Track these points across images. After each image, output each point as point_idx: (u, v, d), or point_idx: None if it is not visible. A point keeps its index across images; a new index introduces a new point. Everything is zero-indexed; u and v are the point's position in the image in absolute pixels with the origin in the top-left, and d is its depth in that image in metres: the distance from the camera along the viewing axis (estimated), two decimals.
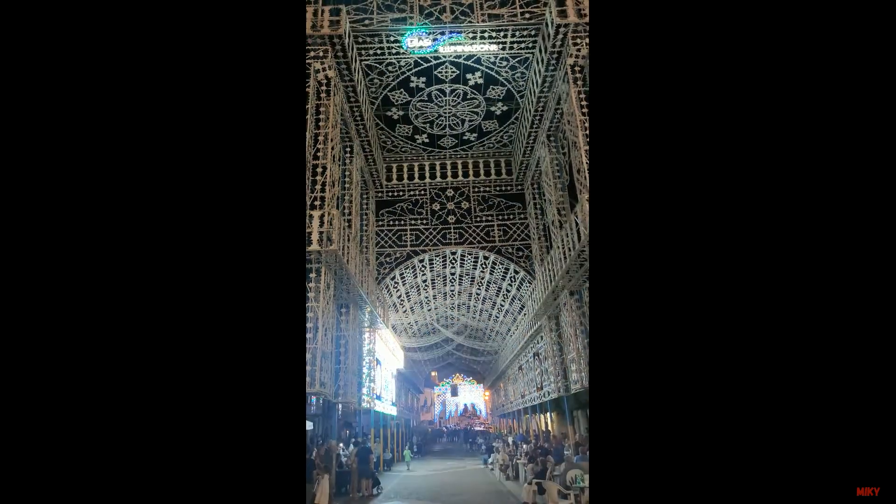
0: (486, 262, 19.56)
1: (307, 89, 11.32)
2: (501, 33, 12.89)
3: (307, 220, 10.10)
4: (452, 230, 18.14)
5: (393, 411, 21.94)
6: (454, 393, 52.89)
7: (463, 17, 12.66)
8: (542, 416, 21.58)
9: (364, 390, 16.06)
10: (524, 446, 15.88)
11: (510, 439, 20.93)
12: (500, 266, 19.32)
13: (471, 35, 12.96)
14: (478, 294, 23.40)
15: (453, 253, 19.03)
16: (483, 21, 12.60)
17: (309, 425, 19.43)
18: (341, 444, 14.15)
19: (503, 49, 13.44)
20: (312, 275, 10.17)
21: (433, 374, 48.90)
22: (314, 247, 9.93)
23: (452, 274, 21.37)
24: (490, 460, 18.23)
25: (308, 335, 10.00)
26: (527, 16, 12.50)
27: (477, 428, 43.30)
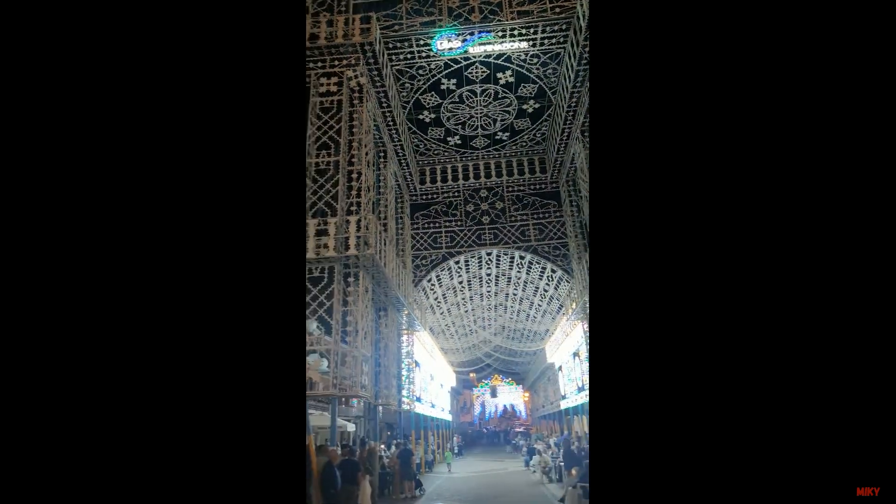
0: (523, 262, 19.34)
1: (340, 97, 11.54)
2: (531, 30, 12.73)
3: (345, 226, 10.27)
4: (487, 231, 18.04)
5: (433, 413, 22.02)
6: (493, 394, 52.56)
7: (492, 17, 12.58)
8: (584, 417, 21.12)
9: (404, 392, 16.19)
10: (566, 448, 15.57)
11: (551, 441, 20.59)
12: (537, 265, 19.06)
13: (500, 34, 12.86)
14: (514, 294, 23.18)
15: (489, 254, 18.93)
16: (512, 18, 12.48)
17: (350, 427, 19.75)
18: (382, 446, 14.31)
19: (534, 46, 13.27)
20: (351, 279, 10.33)
21: (471, 375, 48.78)
22: (352, 251, 10.09)
23: (488, 275, 21.26)
24: (532, 462, 17.99)
25: (347, 339, 10.17)
26: (557, 10, 12.30)
27: (517, 429, 42.85)
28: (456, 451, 24.82)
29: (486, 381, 51.11)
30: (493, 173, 18.55)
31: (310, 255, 10.08)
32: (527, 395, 48.65)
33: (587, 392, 17.99)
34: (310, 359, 9.83)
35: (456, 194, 18.56)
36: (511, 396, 52.34)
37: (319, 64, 11.91)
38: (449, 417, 30.65)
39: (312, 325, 10.26)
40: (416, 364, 17.44)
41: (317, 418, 15.42)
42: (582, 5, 11.33)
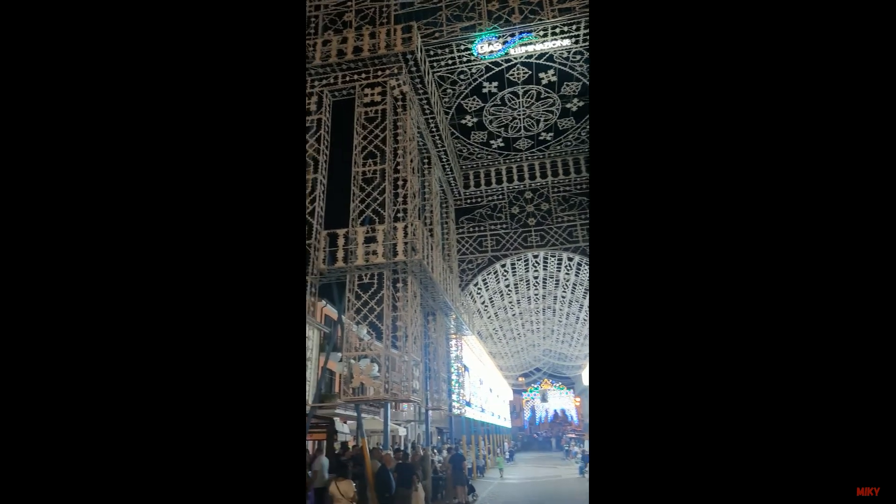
0: (571, 264, 18.92)
1: (384, 106, 11.76)
2: (573, 27, 12.48)
3: (392, 233, 10.44)
4: (533, 233, 17.80)
5: (484, 417, 21.88)
6: (543, 399, 51.63)
7: (532, 16, 12.45)
8: None
9: (453, 396, 16.20)
10: None
11: None
12: (587, 267, 18.58)
13: (542, 33, 12.70)
14: (563, 297, 22.70)
15: (536, 256, 18.65)
16: (554, 16, 12.29)
17: (402, 431, 19.97)
18: (434, 450, 14.35)
19: (576, 43, 13.00)
20: (399, 284, 10.47)
21: (520, 379, 48.16)
22: (400, 257, 10.23)
23: (536, 277, 20.95)
24: (587, 470, 17.48)
25: (397, 343, 10.30)
26: None
27: (570, 435, 41.82)
28: (507, 457, 24.53)
29: (535, 386, 50.29)
30: (538, 174, 18.29)
31: (359, 262, 10.31)
32: (578, 399, 47.42)
33: None
34: (361, 364, 10.03)
35: (500, 197, 18.45)
36: (562, 401, 51.20)
37: (363, 75, 12.21)
38: (500, 422, 30.36)
39: (363, 331, 10.47)
40: (465, 368, 17.41)
41: (369, 422, 15.71)
42: None
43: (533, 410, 52.71)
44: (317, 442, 15.26)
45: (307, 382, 11.52)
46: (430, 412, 15.17)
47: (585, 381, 35.88)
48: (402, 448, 12.80)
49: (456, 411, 16.45)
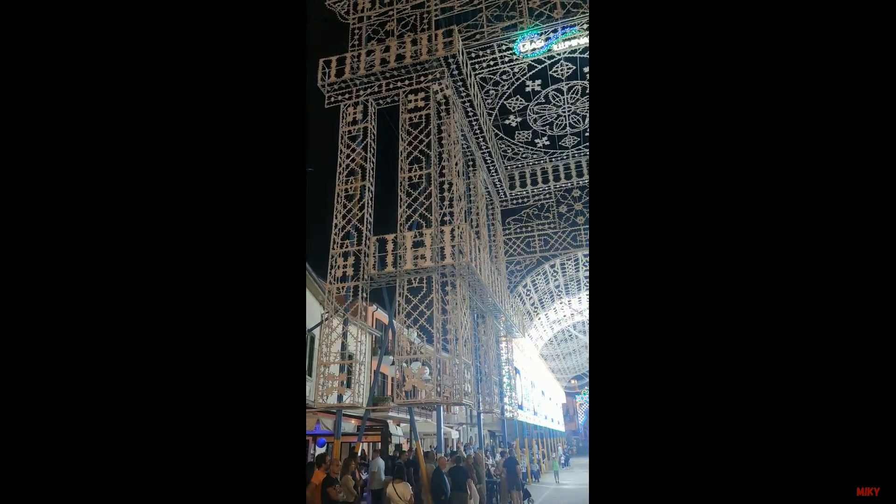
0: None
1: (427, 111, 11.87)
2: None
3: (439, 236, 10.49)
4: (582, 231, 17.35)
5: (536, 421, 21.52)
6: None
7: (575, 10, 12.17)
8: None
9: (505, 399, 16.03)
10: None
11: None
12: None
13: (585, 26, 12.38)
14: None
15: (586, 255, 18.17)
16: None
17: (454, 434, 19.99)
18: (487, 454, 14.25)
19: None
20: (448, 288, 10.50)
21: (573, 381, 47.05)
22: (448, 261, 10.26)
23: (586, 277, 20.40)
24: None
25: (448, 346, 10.32)
26: None
27: None
28: (562, 461, 23.99)
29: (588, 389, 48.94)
30: (585, 171, 17.83)
31: (408, 266, 10.43)
32: None
33: None
34: (412, 367, 10.13)
35: (547, 196, 18.13)
36: None
37: (406, 82, 12.38)
38: (554, 425, 29.77)
39: (413, 335, 10.58)
40: (517, 371, 17.20)
41: (421, 425, 15.83)
42: None
43: (587, 414, 51.29)
44: (371, 444, 15.56)
45: (360, 385, 11.77)
46: (481, 415, 15.09)
47: None
48: (456, 451, 12.80)
49: (508, 414, 16.27)
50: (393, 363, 10.42)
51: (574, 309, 24.00)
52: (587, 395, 50.07)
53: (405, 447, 12.95)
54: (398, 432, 15.33)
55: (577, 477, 19.94)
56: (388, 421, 14.98)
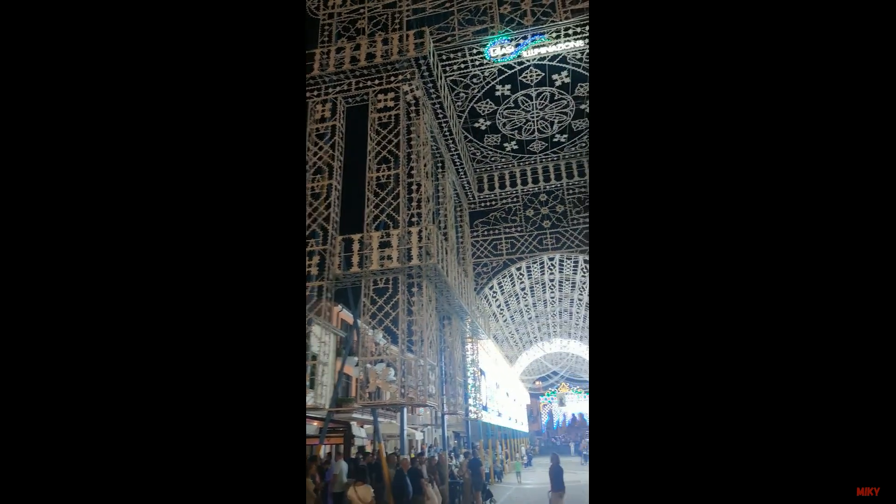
0: (587, 266, 18.73)
1: (397, 111, 11.83)
2: (586, 28, 12.40)
3: (406, 237, 10.47)
4: (548, 235, 17.68)
5: (500, 422, 21.74)
6: (561, 403, 51.11)
7: (545, 18, 12.41)
8: None
9: (470, 401, 16.13)
10: None
11: None
12: None
13: (554, 35, 12.65)
14: (580, 300, 22.48)
15: (551, 259, 18.53)
16: (566, 18, 12.24)
17: (419, 435, 19.96)
18: (451, 455, 14.30)
19: (589, 43, 12.91)
20: (414, 289, 10.49)
21: (537, 383, 47.80)
22: (414, 262, 10.25)
23: (551, 280, 20.80)
24: None
25: (413, 348, 10.30)
26: None
27: (587, 440, 41.29)
28: (525, 462, 24.32)
29: (553, 390, 49.82)
30: (553, 176, 18.19)
31: (374, 267, 10.36)
32: None
33: None
34: (377, 368, 10.05)
35: (515, 200, 18.38)
36: (580, 405, 50.59)
37: (377, 81, 12.31)
38: (518, 426, 30.16)
39: (379, 336, 10.51)
40: (482, 372, 17.34)
41: (385, 426, 15.73)
42: None
43: (551, 414, 52.19)
44: (334, 446, 15.34)
45: (323, 386, 11.58)
46: (446, 416, 15.13)
47: None
48: (421, 452, 12.78)
49: (472, 415, 16.37)
50: (357, 364, 10.30)
51: (539, 311, 24.40)
52: (551, 397, 50.99)
53: (369, 449, 12.83)
54: (362, 434, 15.17)
55: (538, 477, 20.25)
56: (352, 423, 14.81)
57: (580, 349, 30.93)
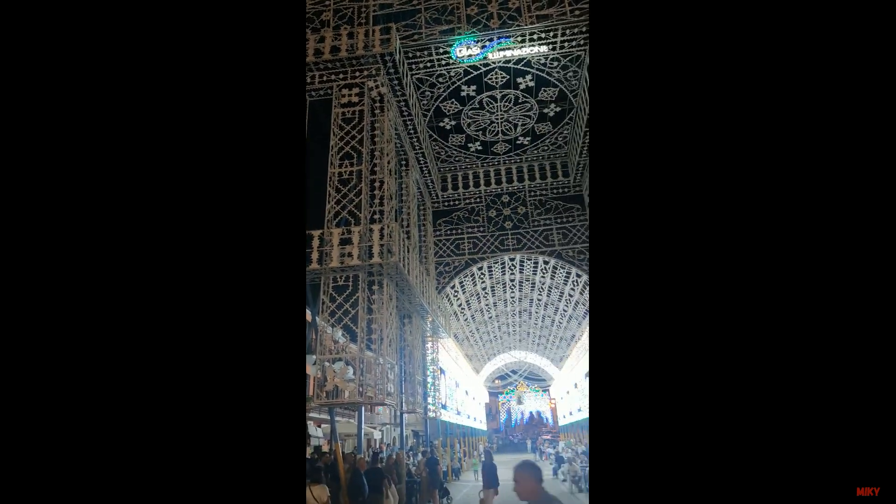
0: (547, 267, 19.14)
1: (361, 107, 11.69)
2: (551, 34, 12.67)
3: (368, 235, 10.37)
4: (510, 236, 17.94)
5: (459, 420, 21.89)
6: (519, 401, 52.01)
7: (511, 22, 12.58)
8: None
9: (429, 399, 16.16)
10: None
11: (580, 449, 20.20)
12: (562, 270, 18.84)
13: (519, 39, 12.85)
14: (539, 300, 22.94)
15: (512, 259, 18.81)
16: (531, 23, 12.45)
17: (377, 434, 19.82)
18: (409, 454, 14.28)
19: (553, 49, 13.20)
20: (375, 287, 10.40)
21: (496, 381, 48.41)
22: (376, 259, 10.16)
23: (512, 280, 21.12)
24: (560, 471, 17.68)
25: (372, 346, 10.22)
26: (576, 13, 12.21)
27: (544, 437, 42.23)
28: (482, 459, 24.57)
29: (511, 388, 50.62)
30: (515, 178, 18.47)
31: (334, 264, 10.20)
32: (553, 402, 47.93)
33: None
34: (335, 367, 9.91)
35: (478, 200, 18.54)
36: (537, 403, 51.67)
37: (341, 76, 12.12)
38: (476, 425, 30.45)
39: (338, 334, 10.35)
40: (441, 371, 17.40)
41: (343, 426, 15.53)
42: None
43: (509, 413, 53.01)
44: None
45: None
46: (405, 415, 15.09)
47: (560, 383, 36.23)
48: (379, 451, 12.70)
49: (431, 414, 16.41)
50: (315, 362, 10.12)
51: (500, 311, 24.72)
52: (509, 395, 51.79)
53: (325, 449, 12.63)
54: (318, 434, 14.91)
55: None
56: (309, 422, 14.52)
57: (538, 348, 31.54)
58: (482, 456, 24.31)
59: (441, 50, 13.09)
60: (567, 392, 34.20)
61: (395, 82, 12.67)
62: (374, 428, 20.82)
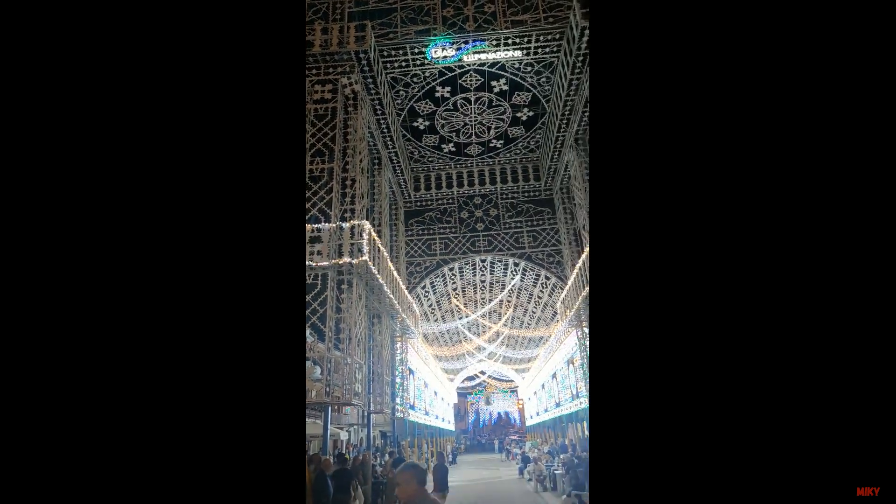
0: (517, 269, 19.37)
1: (334, 104, 11.56)
2: (525, 39, 12.84)
3: (338, 233, 10.25)
4: (481, 238, 18.07)
5: (427, 421, 21.89)
6: (487, 402, 52.41)
7: (486, 25, 12.69)
8: (578, 424, 21.10)
9: (398, 399, 16.10)
10: (561, 456, 15.53)
11: (546, 449, 20.52)
12: (531, 272, 19.10)
13: (494, 42, 12.97)
14: (509, 301, 23.19)
15: (483, 260, 18.94)
16: (506, 28, 12.60)
17: (343, 435, 19.61)
18: (376, 454, 14.19)
19: (527, 55, 13.38)
20: (344, 286, 10.29)
21: (464, 381, 48.61)
22: (345, 258, 10.06)
23: (482, 281, 21.27)
24: (526, 470, 17.91)
25: (340, 346, 10.11)
26: (550, 20, 12.42)
27: (512, 437, 42.70)
28: (450, 459, 24.65)
29: (480, 389, 50.95)
30: (488, 180, 18.62)
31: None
32: (521, 402, 48.51)
33: (581, 400, 17.96)
34: None
35: (450, 201, 18.60)
36: (505, 404, 52.20)
37: (314, 71, 11.94)
38: (444, 425, 30.51)
39: (305, 333, 10.20)
40: (410, 371, 17.37)
41: (309, 426, 15.27)
42: (575, 15, 11.45)
43: (477, 413, 53.36)
44: None
45: None
46: (372, 415, 14.98)
47: (527, 384, 36.69)
48: (344, 452, 12.55)
49: (399, 415, 16.35)
50: None
51: (469, 311, 24.85)
52: (478, 396, 52.09)
53: None
54: None
55: (462, 474, 20.63)
56: None
57: (507, 350, 31.86)
58: (449, 456, 24.37)
59: (416, 50, 13.08)
60: (534, 393, 34.68)
61: (370, 80, 12.58)
62: (342, 429, 20.57)
